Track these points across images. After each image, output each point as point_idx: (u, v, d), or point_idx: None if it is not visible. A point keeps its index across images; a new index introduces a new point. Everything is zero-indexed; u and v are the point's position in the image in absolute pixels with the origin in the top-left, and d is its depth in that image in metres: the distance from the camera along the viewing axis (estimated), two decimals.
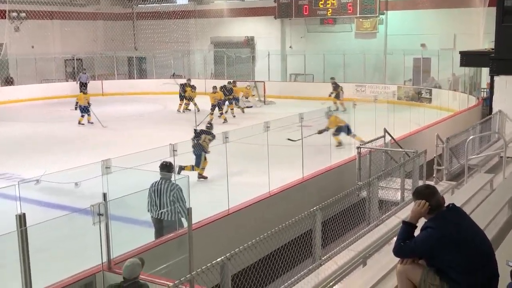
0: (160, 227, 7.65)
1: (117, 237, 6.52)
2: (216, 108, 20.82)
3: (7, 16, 27.44)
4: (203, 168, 11.86)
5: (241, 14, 31.28)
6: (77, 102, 20.13)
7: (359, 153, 10.79)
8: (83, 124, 19.85)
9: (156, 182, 7.70)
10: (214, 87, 21.34)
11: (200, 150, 11.71)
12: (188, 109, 23.02)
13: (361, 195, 8.63)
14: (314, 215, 6.32)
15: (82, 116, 19.92)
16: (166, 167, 7.94)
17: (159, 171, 8.00)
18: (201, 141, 11.88)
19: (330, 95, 22.66)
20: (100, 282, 6.24)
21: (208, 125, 13.07)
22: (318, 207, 6.36)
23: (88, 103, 20.03)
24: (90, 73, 31.07)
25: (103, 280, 6.22)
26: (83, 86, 26.43)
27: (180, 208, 7.49)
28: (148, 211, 7.74)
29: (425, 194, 4.18)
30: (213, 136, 11.90)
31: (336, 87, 22.76)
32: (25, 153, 15.29)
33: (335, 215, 7.20)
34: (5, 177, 12.44)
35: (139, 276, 5.37)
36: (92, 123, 19.80)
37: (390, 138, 12.06)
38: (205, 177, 11.82)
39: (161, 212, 7.49)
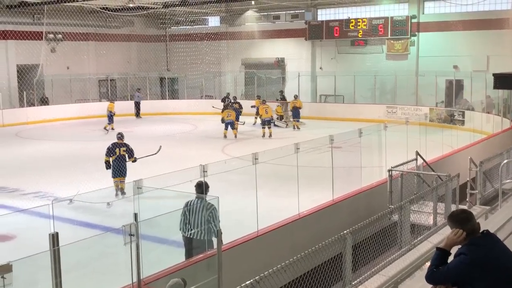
0: (191, 247, 7.66)
1: (147, 257, 6.56)
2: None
3: (44, 37, 28.23)
4: None
5: (272, 36, 31.53)
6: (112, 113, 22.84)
7: (390, 176, 10.67)
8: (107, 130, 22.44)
9: (190, 201, 7.78)
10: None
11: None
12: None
13: (393, 219, 8.52)
14: (344, 238, 6.25)
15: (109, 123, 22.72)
16: (201, 187, 7.88)
17: (188, 191, 8.05)
18: None
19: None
20: None
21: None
22: (348, 230, 6.30)
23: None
24: (123, 94, 31.68)
25: None
26: (137, 105, 26.89)
27: (214, 228, 7.49)
28: (180, 229, 7.74)
29: (461, 219, 4.11)
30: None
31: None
32: (59, 172, 15.56)
33: (365, 239, 7.12)
34: (39, 196, 12.67)
35: None
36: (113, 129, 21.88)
37: (422, 161, 11.90)
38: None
39: (193, 232, 7.51)
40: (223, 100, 26.25)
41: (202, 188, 7.74)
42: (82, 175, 14.95)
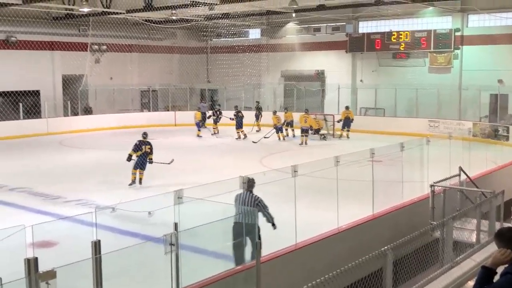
0: (241, 231, 8.11)
1: (186, 267, 6.59)
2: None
3: (89, 48, 28.96)
4: None
5: (312, 48, 31.52)
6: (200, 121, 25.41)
7: (432, 191, 10.46)
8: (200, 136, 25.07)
9: (240, 194, 8.68)
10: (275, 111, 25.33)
11: None
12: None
13: (435, 235, 8.34)
14: (385, 254, 6.14)
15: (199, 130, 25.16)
16: (250, 181, 8.82)
17: (227, 202, 8.12)
18: None
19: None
20: None
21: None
22: (389, 246, 6.18)
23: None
24: (165, 104, 32.16)
25: None
26: (203, 115, 27.32)
27: (267, 215, 8.67)
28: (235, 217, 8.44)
29: (508, 237, 4.04)
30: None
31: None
32: (100, 180, 15.85)
33: (406, 255, 6.98)
34: (81, 203, 12.92)
35: None
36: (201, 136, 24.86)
37: (465, 176, 11.64)
38: None
39: (244, 214, 8.36)
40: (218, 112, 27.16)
41: (250, 182, 8.78)
42: (123, 183, 15.20)
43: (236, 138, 24.73)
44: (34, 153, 21.02)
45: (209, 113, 27.44)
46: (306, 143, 23.02)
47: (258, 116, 27.74)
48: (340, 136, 25.16)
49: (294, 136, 25.12)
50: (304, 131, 23.24)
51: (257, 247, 7.04)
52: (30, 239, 5.75)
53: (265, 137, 23.80)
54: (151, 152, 14.98)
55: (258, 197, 8.74)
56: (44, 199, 13.47)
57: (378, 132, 25.35)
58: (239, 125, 24.94)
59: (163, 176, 16.13)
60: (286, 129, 25.39)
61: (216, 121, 26.38)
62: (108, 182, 15.54)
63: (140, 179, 14.87)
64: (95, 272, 5.44)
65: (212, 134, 25.89)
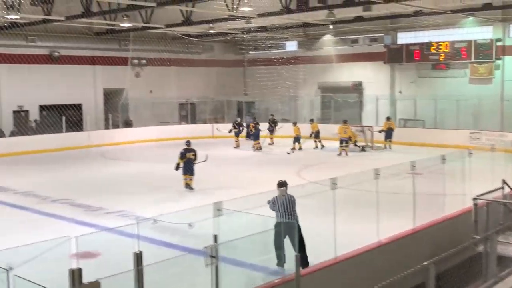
0: (280, 229, 8.74)
1: (225, 279, 6.61)
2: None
3: (129, 63, 29.57)
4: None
5: (349, 59, 31.38)
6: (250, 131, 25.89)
7: (475, 204, 10.23)
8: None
9: (275, 196, 9.29)
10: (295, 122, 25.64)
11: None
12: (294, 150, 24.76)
13: (478, 250, 8.16)
14: (427, 269, 6.05)
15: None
16: (284, 183, 9.47)
17: (266, 215, 8.13)
18: None
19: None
20: None
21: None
22: (432, 260, 6.09)
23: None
24: (202, 117, 32.50)
25: None
26: (248, 127, 27.52)
27: (295, 214, 9.30)
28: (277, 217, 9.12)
29: None
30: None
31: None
32: (140, 192, 16.08)
33: (448, 269, 6.86)
34: (121, 215, 13.12)
35: None
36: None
37: (509, 189, 11.34)
38: None
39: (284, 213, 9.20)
40: (238, 125, 27.06)
41: (284, 184, 9.44)
42: (163, 195, 15.40)
43: (254, 150, 25.13)
44: (76, 165, 21.50)
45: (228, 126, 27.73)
46: (346, 154, 23.07)
47: (272, 130, 27.45)
48: (384, 147, 25.10)
49: (322, 147, 25.23)
50: (344, 142, 23.30)
51: (296, 260, 7.01)
52: (73, 250, 5.86)
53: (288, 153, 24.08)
54: (195, 158, 16.24)
55: (294, 198, 9.32)
56: (85, 210, 13.74)
57: (418, 144, 25.00)
58: (256, 137, 25.47)
59: (203, 188, 16.27)
60: (315, 141, 25.38)
61: (237, 134, 26.55)
62: (148, 194, 15.74)
63: (189, 184, 16.17)
64: (137, 284, 5.52)
65: (234, 147, 25.91)
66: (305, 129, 25.55)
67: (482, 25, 26.71)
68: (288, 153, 24.09)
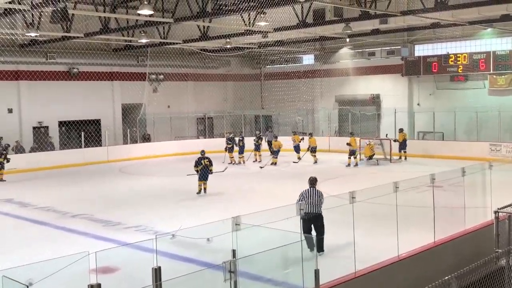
0: (309, 219, 10.38)
1: None
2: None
3: (147, 78, 29.84)
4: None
5: (366, 72, 31.33)
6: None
7: (497, 217, 10.07)
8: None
9: (307, 189, 11.23)
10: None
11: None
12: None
13: (500, 264, 8.00)
14: (449, 283, 5.94)
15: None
16: (314, 180, 11.46)
17: (284, 229, 8.06)
18: None
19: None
20: None
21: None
22: (453, 275, 5.99)
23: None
24: (220, 131, 32.59)
25: None
26: (270, 143, 27.26)
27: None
28: (301, 209, 9.26)
29: None
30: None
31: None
32: (159, 206, 16.13)
33: (470, 284, 6.73)
34: (140, 229, 13.15)
35: None
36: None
37: None
38: None
39: (311, 205, 10.84)
40: (231, 140, 26.00)
41: (314, 181, 11.47)
42: (181, 209, 15.42)
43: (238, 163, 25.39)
44: (95, 180, 21.65)
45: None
46: (356, 165, 23.77)
47: (258, 147, 26.20)
48: (400, 158, 25.08)
49: (315, 162, 25.02)
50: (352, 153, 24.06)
51: (315, 275, 6.95)
52: (92, 265, 5.87)
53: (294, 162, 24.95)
54: (210, 165, 17.68)
55: (321, 192, 11.04)
56: (104, 225, 13.80)
57: (437, 156, 24.79)
58: (240, 151, 25.67)
59: (221, 202, 16.28)
60: (313, 156, 25.25)
61: (231, 150, 25.63)
62: (167, 208, 15.79)
63: (205, 189, 17.68)
64: None
65: (229, 163, 24.63)
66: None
67: (501, 36, 26.51)
68: (295, 162, 24.88)
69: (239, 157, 25.52)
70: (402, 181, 9.52)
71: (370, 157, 24.40)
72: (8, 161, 21.99)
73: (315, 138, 25.79)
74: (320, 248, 10.49)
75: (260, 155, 25.82)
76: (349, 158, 23.81)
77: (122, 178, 22.63)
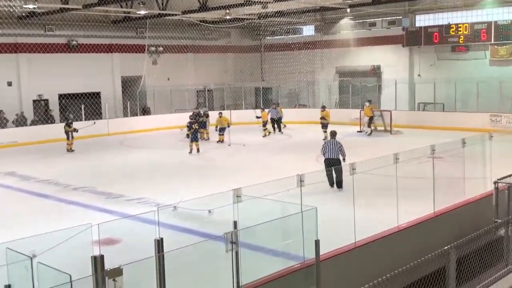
0: (329, 163, 13.72)
1: (245, 265, 6.65)
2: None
3: (146, 50, 29.64)
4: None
5: (367, 43, 31.08)
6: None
7: (496, 188, 10.14)
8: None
9: (328, 140, 14.40)
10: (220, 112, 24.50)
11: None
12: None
13: (499, 234, 8.09)
14: (448, 253, 6.02)
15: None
16: (334, 133, 14.43)
17: (284, 201, 8.14)
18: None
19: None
20: None
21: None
22: (452, 245, 6.06)
23: (228, 125, 23.07)
24: (220, 103, 32.52)
25: None
26: (275, 121, 26.31)
27: (343, 154, 13.92)
28: (323, 153, 14.08)
29: None
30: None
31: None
32: (160, 179, 16.20)
33: (469, 253, 6.81)
34: (142, 202, 13.24)
35: None
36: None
37: None
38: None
39: (332, 154, 13.90)
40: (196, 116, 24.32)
41: (334, 134, 14.47)
42: (182, 182, 15.50)
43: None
44: (96, 153, 21.70)
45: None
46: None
47: (204, 124, 24.44)
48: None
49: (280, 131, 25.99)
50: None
51: (315, 246, 7.03)
52: (94, 237, 5.94)
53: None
54: (201, 127, 20.65)
55: (340, 143, 14.04)
56: (106, 198, 13.89)
57: (437, 127, 24.78)
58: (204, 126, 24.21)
59: (222, 174, 16.33)
60: (278, 126, 25.91)
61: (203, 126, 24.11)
62: (168, 181, 15.86)
63: (198, 149, 20.42)
64: (159, 270, 5.58)
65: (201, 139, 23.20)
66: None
67: (503, 6, 26.25)
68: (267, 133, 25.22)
69: (205, 132, 24.23)
70: (402, 153, 9.55)
71: (371, 119, 24.49)
72: (76, 131, 22.09)
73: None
74: (339, 185, 13.18)
75: (207, 133, 24.46)
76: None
77: (123, 151, 22.67)
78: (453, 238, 7.38)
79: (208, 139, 24.27)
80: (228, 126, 22.99)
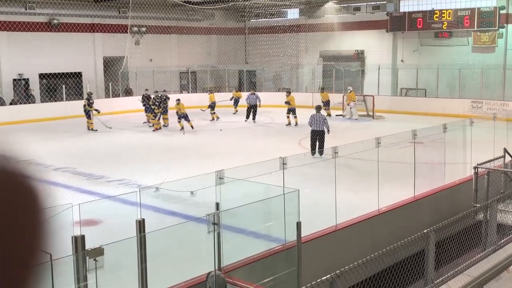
0: (315, 134, 15.70)
1: (227, 246, 6.68)
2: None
3: (129, 30, 29.27)
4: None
5: (351, 27, 31.07)
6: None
7: (476, 173, 10.27)
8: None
9: (314, 114, 16.02)
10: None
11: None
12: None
13: (477, 218, 8.21)
14: (427, 236, 6.10)
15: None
16: (319, 107, 16.71)
17: (267, 183, 8.16)
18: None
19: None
20: None
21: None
22: (432, 228, 6.14)
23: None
24: (202, 86, 32.35)
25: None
26: (251, 108, 24.94)
27: (327, 127, 15.88)
28: (310, 125, 15.93)
29: None
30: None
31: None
32: (141, 160, 16.12)
33: (448, 237, 6.91)
34: (123, 183, 13.17)
35: None
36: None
37: (510, 158, 11.37)
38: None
39: (318, 125, 15.70)
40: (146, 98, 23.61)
41: (319, 108, 16.73)
42: (164, 163, 15.44)
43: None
44: (77, 134, 21.50)
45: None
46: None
47: (148, 108, 23.24)
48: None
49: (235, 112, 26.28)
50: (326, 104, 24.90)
51: (297, 228, 7.07)
52: (75, 217, 5.90)
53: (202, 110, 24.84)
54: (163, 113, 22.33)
55: (324, 116, 16.41)
56: (87, 179, 13.79)
57: (419, 113, 24.95)
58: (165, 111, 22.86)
59: (205, 157, 16.30)
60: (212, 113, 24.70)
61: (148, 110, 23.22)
62: (150, 162, 15.79)
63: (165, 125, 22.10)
64: (140, 250, 5.57)
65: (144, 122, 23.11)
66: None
67: None
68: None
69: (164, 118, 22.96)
70: (384, 137, 9.63)
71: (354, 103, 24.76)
72: (98, 112, 22.13)
73: (213, 94, 25.27)
74: (321, 153, 14.99)
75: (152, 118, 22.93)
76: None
77: (105, 132, 22.48)
78: (432, 221, 7.47)
79: (167, 125, 22.79)
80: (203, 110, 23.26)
